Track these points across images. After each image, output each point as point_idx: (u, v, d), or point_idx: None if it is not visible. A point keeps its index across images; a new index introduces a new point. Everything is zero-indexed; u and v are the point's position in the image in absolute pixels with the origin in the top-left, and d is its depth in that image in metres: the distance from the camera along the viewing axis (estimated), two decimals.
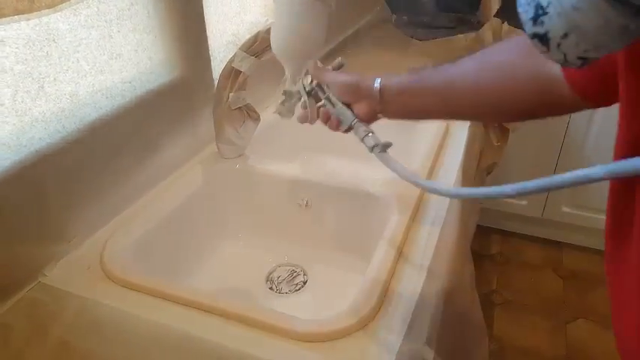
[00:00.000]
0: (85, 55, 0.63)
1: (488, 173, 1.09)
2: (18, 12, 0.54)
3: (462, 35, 1.46)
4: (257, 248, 0.87)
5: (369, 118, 0.61)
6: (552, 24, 0.27)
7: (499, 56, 0.52)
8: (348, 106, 0.60)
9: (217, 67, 0.90)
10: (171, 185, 0.81)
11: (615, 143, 0.39)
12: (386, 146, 0.57)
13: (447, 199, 0.76)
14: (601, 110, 0.58)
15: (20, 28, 0.54)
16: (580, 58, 0.28)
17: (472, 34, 1.45)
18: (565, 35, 0.27)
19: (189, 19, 0.81)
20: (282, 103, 0.67)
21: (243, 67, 0.80)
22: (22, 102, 0.56)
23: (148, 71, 0.75)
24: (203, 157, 0.89)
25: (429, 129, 0.98)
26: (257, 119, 0.86)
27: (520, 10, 0.29)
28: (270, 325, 0.54)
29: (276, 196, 0.86)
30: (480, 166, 0.97)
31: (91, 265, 0.64)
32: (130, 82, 0.71)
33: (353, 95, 0.59)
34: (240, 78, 0.81)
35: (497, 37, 1.41)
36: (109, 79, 0.68)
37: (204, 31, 0.85)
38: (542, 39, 0.28)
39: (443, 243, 0.67)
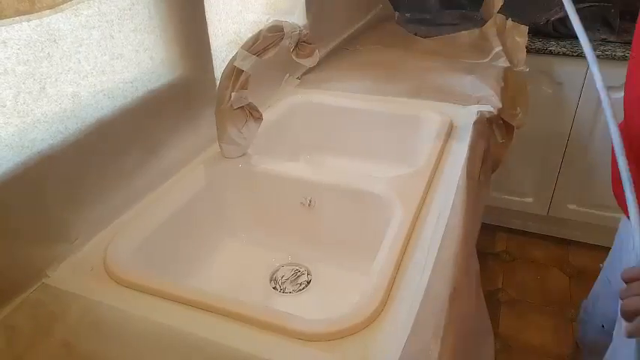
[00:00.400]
0: (86, 56, 0.63)
1: (493, 171, 1.08)
2: (19, 13, 0.53)
3: (465, 32, 1.45)
4: (261, 248, 0.87)
5: None
6: None
7: None
8: None
9: (219, 66, 0.90)
10: (174, 186, 0.81)
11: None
12: None
13: (451, 197, 0.75)
14: None
15: (22, 29, 0.54)
16: None
17: (476, 31, 1.44)
18: None
19: (190, 19, 0.81)
20: None
21: (245, 66, 0.79)
22: (24, 103, 0.56)
23: (150, 71, 0.75)
24: (206, 157, 0.89)
25: (434, 127, 0.97)
26: (259, 118, 0.86)
27: None
28: (274, 324, 0.54)
29: (279, 195, 0.86)
30: (485, 164, 0.96)
31: (94, 266, 0.64)
32: (131, 83, 0.71)
33: None
34: (242, 77, 0.80)
35: (501, 34, 1.41)
36: (111, 80, 0.68)
37: (206, 30, 0.85)
38: None
39: (447, 241, 0.67)
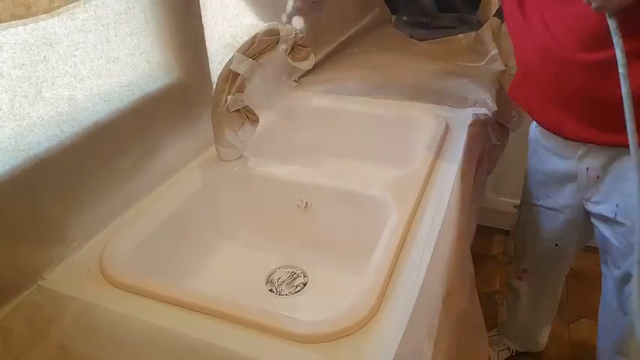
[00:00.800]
0: (82, 60, 0.63)
1: (489, 173, 1.08)
2: (15, 17, 0.54)
3: (461, 35, 1.46)
4: (257, 250, 0.87)
5: None
6: None
7: None
8: None
9: (216, 69, 0.91)
10: (170, 188, 0.81)
11: None
12: None
13: (447, 199, 0.76)
14: None
15: (17, 33, 0.54)
16: None
17: (472, 34, 1.45)
18: None
19: (186, 22, 0.81)
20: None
21: (241, 70, 0.80)
22: (20, 106, 0.56)
23: (146, 75, 0.75)
24: (202, 160, 0.89)
25: (429, 130, 0.98)
26: (255, 121, 0.86)
27: None
28: (269, 326, 0.54)
29: (275, 197, 0.86)
30: (481, 166, 0.96)
31: (90, 268, 0.64)
32: (127, 86, 0.72)
33: None
34: (238, 80, 0.81)
35: (497, 37, 1.41)
36: (107, 83, 0.68)
37: (202, 33, 0.86)
38: None
39: (442, 243, 0.67)
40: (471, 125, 0.99)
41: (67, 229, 0.65)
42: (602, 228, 0.94)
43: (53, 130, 0.61)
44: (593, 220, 0.96)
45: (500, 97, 1.12)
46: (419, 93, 1.13)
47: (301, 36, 0.84)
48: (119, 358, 0.53)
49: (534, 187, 1.04)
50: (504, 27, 1.42)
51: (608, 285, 1.01)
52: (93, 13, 0.64)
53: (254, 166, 0.87)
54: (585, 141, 0.86)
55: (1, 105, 0.54)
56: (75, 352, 0.53)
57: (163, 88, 0.78)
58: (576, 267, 1.67)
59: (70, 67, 0.62)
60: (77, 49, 0.62)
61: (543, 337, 1.33)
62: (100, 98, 0.67)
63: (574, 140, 0.88)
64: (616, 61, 0.67)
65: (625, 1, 0.66)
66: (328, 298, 0.79)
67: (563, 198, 0.99)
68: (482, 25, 1.46)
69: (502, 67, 1.26)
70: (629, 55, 0.68)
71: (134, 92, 0.73)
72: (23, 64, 0.56)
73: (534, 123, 1.00)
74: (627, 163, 0.82)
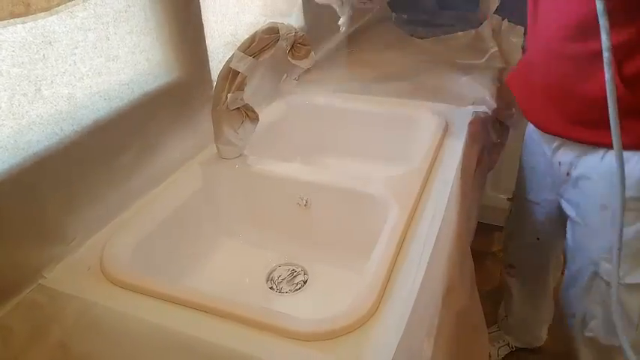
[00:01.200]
0: (82, 58, 0.63)
1: (489, 170, 1.08)
2: (14, 15, 0.54)
3: (461, 33, 1.45)
4: (257, 248, 0.88)
5: None
6: None
7: None
8: None
9: (216, 67, 0.91)
10: (170, 186, 0.81)
11: None
12: None
13: (446, 196, 0.76)
14: None
15: (16, 32, 0.54)
16: None
17: (471, 32, 1.45)
18: None
19: (186, 20, 0.81)
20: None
21: (241, 68, 0.80)
22: (19, 105, 0.56)
23: (146, 73, 0.75)
24: (202, 158, 0.89)
25: (429, 128, 0.98)
26: (255, 119, 0.86)
27: None
28: (269, 324, 0.54)
29: (275, 195, 0.86)
30: (481, 164, 0.96)
31: (90, 266, 0.64)
32: (127, 84, 0.72)
33: None
34: (239, 78, 0.81)
35: (497, 35, 1.41)
36: (107, 81, 0.68)
37: (202, 31, 0.85)
38: None
39: (442, 240, 0.67)
40: (470, 123, 0.99)
41: (67, 227, 0.65)
42: (570, 225, 0.95)
43: (52, 128, 0.61)
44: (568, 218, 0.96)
45: (500, 94, 1.12)
46: (419, 91, 1.13)
47: (301, 34, 0.84)
48: (119, 356, 0.53)
49: (523, 181, 1.06)
50: (504, 24, 1.42)
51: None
52: (92, 12, 0.64)
53: (254, 164, 0.87)
54: (556, 134, 0.88)
55: (0, 103, 0.54)
56: (75, 351, 0.53)
57: (163, 86, 0.78)
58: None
59: (70, 65, 0.62)
60: (76, 48, 0.62)
61: (542, 333, 1.34)
62: (100, 96, 0.67)
63: (549, 133, 0.90)
64: (601, 47, 0.65)
65: None
66: (328, 296, 0.79)
67: (544, 192, 1.00)
68: (482, 22, 1.46)
69: (502, 65, 1.26)
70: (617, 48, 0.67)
71: (134, 90, 0.72)
72: (22, 63, 0.56)
73: None
74: (592, 162, 0.84)
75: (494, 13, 1.45)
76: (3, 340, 0.54)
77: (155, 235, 0.73)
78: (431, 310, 0.56)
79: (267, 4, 1.11)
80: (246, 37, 0.81)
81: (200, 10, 0.84)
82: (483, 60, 1.30)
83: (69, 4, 0.60)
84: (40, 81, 0.58)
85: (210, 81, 0.90)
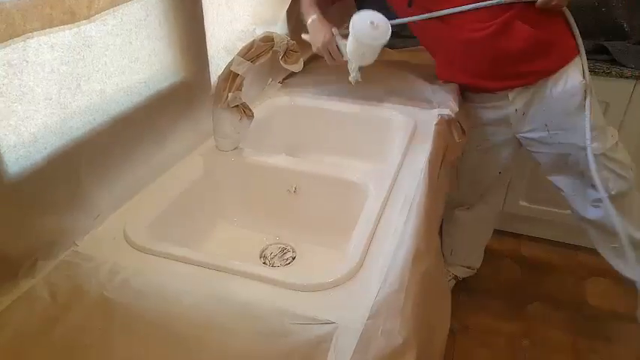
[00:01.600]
0: (111, 59, 0.74)
1: (452, 166, 1.24)
2: (64, 22, 0.65)
3: None
4: (251, 229, 1.00)
5: None
6: None
7: None
8: None
9: (213, 70, 1.02)
10: (176, 173, 0.93)
11: None
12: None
13: (415, 184, 0.90)
14: None
15: (64, 36, 0.65)
16: None
17: None
18: None
19: (192, 28, 0.93)
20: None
21: (240, 71, 0.92)
22: (65, 97, 0.67)
23: (159, 73, 0.87)
24: (203, 149, 1.00)
25: (401, 128, 1.12)
26: (251, 116, 0.98)
27: None
28: (279, 280, 0.67)
29: (267, 183, 0.99)
30: (445, 159, 1.11)
31: (115, 237, 0.75)
32: (145, 83, 0.83)
33: None
34: (238, 80, 0.93)
35: None
36: (129, 79, 0.79)
37: (204, 38, 0.97)
38: None
39: (411, 218, 0.81)
40: (437, 124, 1.14)
41: (95, 203, 0.76)
42: (536, 148, 1.31)
43: (87, 117, 0.71)
44: (527, 147, 1.33)
45: (461, 100, 1.28)
46: (391, 95, 1.27)
47: (293, 42, 0.97)
48: (151, 306, 0.64)
49: (474, 136, 1.34)
50: None
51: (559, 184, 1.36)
52: (120, 20, 0.75)
53: (249, 156, 1.00)
54: (514, 87, 1.23)
55: (51, 95, 0.65)
56: (114, 302, 0.63)
57: (172, 85, 0.90)
58: (529, 257, 1.86)
59: (102, 65, 0.73)
60: (107, 50, 0.73)
61: (480, 256, 1.68)
62: (124, 92, 0.78)
63: (503, 90, 1.24)
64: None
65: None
66: (314, 269, 0.92)
67: (501, 136, 1.34)
68: None
69: None
70: (513, 18, 1.12)
71: (150, 88, 0.84)
72: (68, 62, 0.66)
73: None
74: (543, 92, 1.22)
75: None
76: (52, 295, 0.64)
77: (164, 216, 0.83)
78: (401, 270, 0.70)
79: (256, 14, 1.23)
80: (239, 43, 0.93)
81: (203, 20, 0.96)
82: None
83: (102, 12, 0.71)
84: (80, 77, 0.69)
85: (210, 82, 1.02)
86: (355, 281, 0.68)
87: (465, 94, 1.32)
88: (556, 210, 1.78)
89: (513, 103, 1.25)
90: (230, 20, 1.14)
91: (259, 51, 0.94)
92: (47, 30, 0.60)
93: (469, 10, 1.13)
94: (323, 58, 1.54)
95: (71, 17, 0.66)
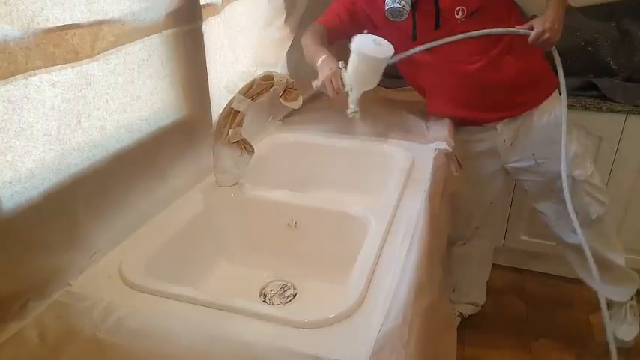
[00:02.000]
0: (112, 96, 0.75)
1: (452, 200, 1.24)
2: (66, 61, 0.66)
3: None
4: (251, 266, 0.98)
5: None
6: None
7: None
8: None
9: (215, 108, 1.04)
10: (175, 209, 0.92)
11: None
12: None
13: (416, 218, 0.89)
14: None
15: (67, 74, 0.66)
16: None
17: None
18: None
19: (194, 69, 0.95)
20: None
21: (241, 108, 0.93)
22: (64, 133, 0.67)
23: (161, 111, 0.88)
24: (203, 185, 1.00)
25: (399, 162, 1.12)
26: (252, 151, 0.99)
27: None
28: (279, 317, 0.65)
29: (267, 218, 0.98)
30: (445, 192, 1.11)
31: (111, 275, 0.73)
32: (146, 120, 0.84)
33: None
34: (238, 117, 0.94)
35: None
36: (130, 117, 0.80)
37: (207, 78, 0.99)
38: None
39: (412, 251, 0.80)
40: (435, 158, 1.14)
41: (91, 241, 0.75)
42: (524, 177, 1.36)
43: (87, 154, 0.72)
44: (515, 176, 1.38)
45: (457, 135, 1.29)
46: (389, 131, 1.29)
47: (292, 80, 0.99)
48: (146, 347, 0.62)
49: (464, 169, 1.34)
50: None
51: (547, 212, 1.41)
52: (123, 59, 0.76)
53: (248, 191, 0.99)
54: (503, 118, 1.29)
55: (50, 131, 0.65)
56: (107, 342, 0.61)
57: (173, 122, 0.91)
58: (534, 292, 1.83)
59: (103, 102, 0.74)
60: (109, 88, 0.74)
61: (483, 291, 1.67)
62: (125, 129, 0.79)
63: (491, 122, 1.30)
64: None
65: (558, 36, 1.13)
66: (316, 307, 0.90)
67: (490, 167, 1.38)
68: None
69: None
70: (503, 52, 1.20)
71: (151, 125, 0.85)
72: (69, 99, 0.67)
73: None
74: (529, 123, 1.27)
75: None
76: (41, 336, 0.62)
77: (162, 252, 0.82)
78: (404, 303, 0.68)
79: (258, 56, 1.26)
80: (240, 82, 0.95)
81: (205, 61, 0.98)
82: None
83: (105, 52, 0.73)
84: (80, 114, 0.69)
85: (211, 119, 1.03)
86: (357, 316, 0.66)
87: (454, 129, 1.35)
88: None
89: (501, 134, 1.31)
90: (232, 62, 1.16)
91: (260, 89, 0.95)
92: (50, 68, 0.61)
93: (469, 37, 1.16)
94: (322, 96, 1.57)
95: (74, 56, 0.67)
